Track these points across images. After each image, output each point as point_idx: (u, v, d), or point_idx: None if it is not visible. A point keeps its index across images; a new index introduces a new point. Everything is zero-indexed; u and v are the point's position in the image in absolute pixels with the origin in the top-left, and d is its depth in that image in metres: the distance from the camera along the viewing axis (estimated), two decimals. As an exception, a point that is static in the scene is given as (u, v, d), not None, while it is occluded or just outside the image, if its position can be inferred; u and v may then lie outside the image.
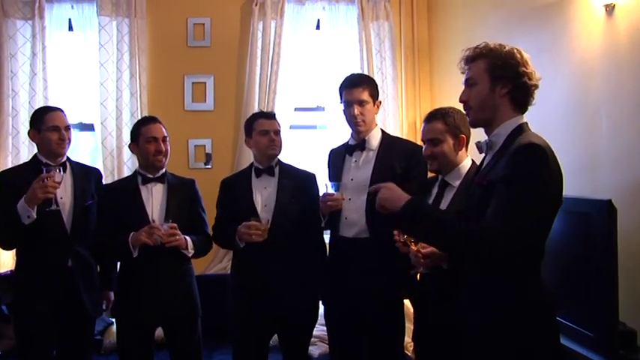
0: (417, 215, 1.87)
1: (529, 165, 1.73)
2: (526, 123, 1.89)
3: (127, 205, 2.82)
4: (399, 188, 1.95)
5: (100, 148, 4.20)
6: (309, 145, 4.56)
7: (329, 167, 2.99)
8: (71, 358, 2.87)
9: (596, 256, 2.05)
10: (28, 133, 2.88)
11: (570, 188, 2.36)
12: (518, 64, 1.86)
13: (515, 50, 1.89)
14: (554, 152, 1.80)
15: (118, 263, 2.95)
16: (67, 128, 2.85)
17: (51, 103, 4.07)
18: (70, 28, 4.30)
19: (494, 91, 1.88)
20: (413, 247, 2.24)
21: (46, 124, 2.79)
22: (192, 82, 4.39)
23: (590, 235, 2.07)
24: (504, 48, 1.89)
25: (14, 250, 2.88)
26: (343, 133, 4.00)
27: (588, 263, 2.09)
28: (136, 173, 2.91)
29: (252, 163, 2.98)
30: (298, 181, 2.93)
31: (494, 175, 1.81)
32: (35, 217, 2.61)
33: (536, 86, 1.89)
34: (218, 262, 4.30)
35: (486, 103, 1.90)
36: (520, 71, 1.86)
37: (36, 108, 3.98)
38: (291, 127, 4.36)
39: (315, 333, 3.09)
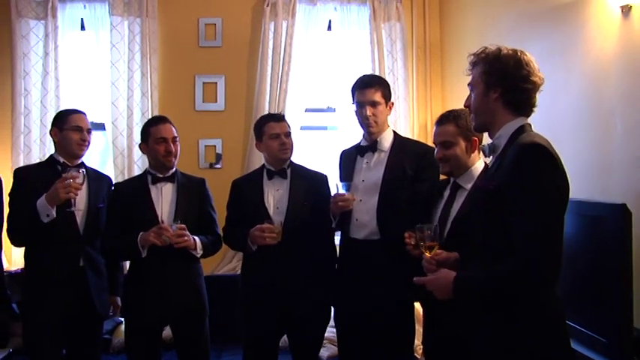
0: (469, 290, 1.85)
1: (540, 172, 1.70)
2: (528, 124, 1.87)
3: (137, 205, 2.82)
4: (438, 275, 1.94)
5: (110, 147, 4.21)
6: (319, 146, 4.55)
7: (340, 168, 2.98)
8: (80, 358, 2.88)
9: (609, 260, 2.02)
10: (50, 131, 2.94)
11: (583, 191, 2.35)
12: (508, 68, 1.84)
13: (510, 53, 1.86)
14: (564, 153, 1.78)
15: (127, 266, 2.95)
16: (89, 131, 2.91)
17: (62, 103, 4.14)
18: (83, 28, 4.34)
19: (487, 96, 1.88)
20: (427, 254, 2.18)
21: (70, 124, 2.84)
22: (203, 82, 4.40)
23: (604, 239, 2.04)
24: (500, 52, 1.87)
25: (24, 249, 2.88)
26: (354, 135, 3.99)
27: (601, 267, 2.06)
28: (146, 172, 2.91)
29: (263, 164, 2.97)
30: (310, 183, 2.91)
31: (499, 178, 1.79)
32: (55, 215, 2.64)
33: (531, 89, 1.85)
34: (227, 263, 4.31)
35: (481, 107, 1.91)
36: (510, 75, 1.84)
37: (48, 107, 4.09)
38: (301, 128, 4.35)
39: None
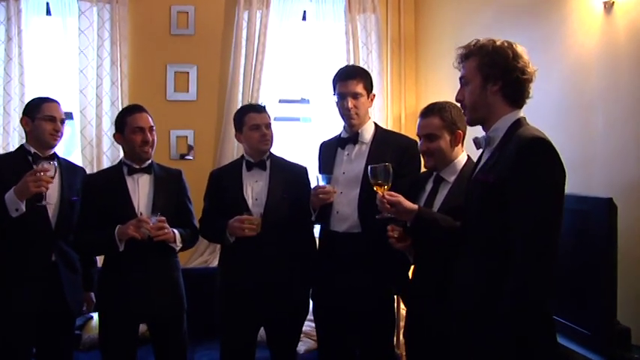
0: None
1: (545, 167, 1.71)
2: (524, 118, 1.88)
3: (113, 197, 2.72)
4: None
5: (78, 137, 4.08)
6: (293, 137, 4.51)
7: (320, 160, 2.94)
8: (51, 355, 2.78)
9: (594, 254, 2.04)
10: (21, 120, 2.82)
11: (567, 185, 2.37)
12: (508, 59, 1.84)
13: (506, 45, 1.86)
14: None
15: (99, 262, 2.86)
16: (62, 121, 2.80)
17: (27, 90, 3.98)
18: (48, 13, 4.16)
19: (486, 89, 1.87)
20: (379, 191, 2.29)
21: (42, 113, 2.73)
22: (175, 72, 4.30)
23: (589, 233, 2.06)
24: (495, 43, 1.87)
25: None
26: (328, 126, 3.98)
27: (586, 261, 2.08)
28: (121, 163, 2.82)
29: (242, 156, 2.92)
30: (290, 174, 2.87)
31: (499, 171, 1.79)
32: (24, 210, 2.53)
33: (529, 80, 1.87)
34: (199, 256, 4.24)
35: (479, 101, 1.89)
36: (510, 66, 1.84)
37: (11, 94, 3.93)
38: (275, 119, 4.27)
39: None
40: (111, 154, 4.10)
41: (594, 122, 2.52)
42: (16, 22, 3.99)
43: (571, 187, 2.40)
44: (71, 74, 4.11)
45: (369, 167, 2.35)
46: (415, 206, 2.25)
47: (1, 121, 4.00)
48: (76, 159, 4.03)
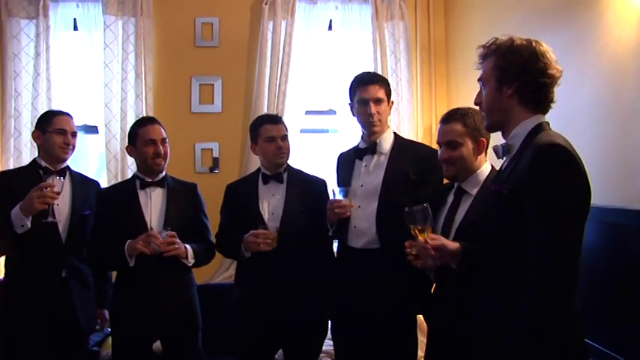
0: None
1: (559, 177, 1.55)
2: (546, 122, 1.73)
3: (124, 211, 2.67)
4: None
5: (104, 150, 4.06)
6: (320, 149, 4.40)
7: (337, 172, 2.83)
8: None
9: (633, 271, 1.85)
10: (32, 133, 2.82)
11: (602, 197, 2.17)
12: (524, 60, 1.70)
13: (525, 43, 1.73)
14: (580, 155, 1.63)
15: (113, 278, 2.81)
16: (74, 134, 2.78)
17: (54, 105, 3.99)
18: (75, 28, 4.19)
19: (501, 92, 1.74)
20: (420, 238, 2.08)
21: (53, 126, 2.72)
22: (200, 84, 4.25)
23: (630, 249, 1.89)
24: (513, 43, 1.74)
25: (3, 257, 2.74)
26: (355, 137, 3.84)
27: (624, 280, 1.90)
28: (134, 177, 2.78)
29: (259, 168, 2.83)
30: (308, 188, 2.78)
31: (514, 182, 1.65)
32: (30, 226, 2.50)
33: (550, 83, 1.71)
34: (224, 271, 4.15)
35: (494, 105, 1.77)
36: (527, 68, 1.70)
37: (39, 109, 3.95)
38: (301, 131, 4.21)
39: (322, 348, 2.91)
40: (136, 168, 4.06)
41: (634, 127, 2.31)
42: (45, 38, 4.03)
43: (610, 199, 2.23)
44: (96, 88, 4.11)
45: (404, 210, 2.11)
46: (457, 245, 2.07)
47: (29, 136, 3.99)
48: (102, 173, 4.02)
